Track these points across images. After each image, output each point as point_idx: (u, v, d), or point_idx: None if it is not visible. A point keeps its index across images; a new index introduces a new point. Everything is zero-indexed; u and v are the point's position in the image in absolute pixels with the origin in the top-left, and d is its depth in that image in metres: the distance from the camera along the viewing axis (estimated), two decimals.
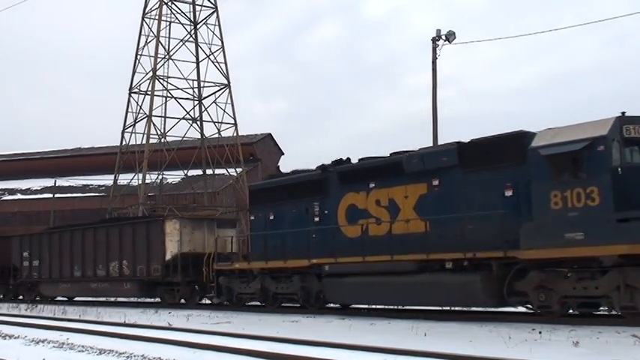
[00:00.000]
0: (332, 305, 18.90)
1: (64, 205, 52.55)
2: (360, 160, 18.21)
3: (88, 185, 57.50)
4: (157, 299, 24.95)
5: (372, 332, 13.30)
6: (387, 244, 16.17)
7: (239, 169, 42.68)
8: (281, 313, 18.73)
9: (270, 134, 58.46)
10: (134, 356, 10.43)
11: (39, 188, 59.51)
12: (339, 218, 18.07)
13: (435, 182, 15.85)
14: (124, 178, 41.34)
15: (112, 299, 29.32)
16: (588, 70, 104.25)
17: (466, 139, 15.83)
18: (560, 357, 9.35)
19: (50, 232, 30.53)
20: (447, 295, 15.03)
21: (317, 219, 18.75)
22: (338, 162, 18.65)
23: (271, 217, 20.15)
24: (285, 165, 60.17)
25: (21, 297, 31.50)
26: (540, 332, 11.85)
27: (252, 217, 21.26)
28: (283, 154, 59.85)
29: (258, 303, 20.75)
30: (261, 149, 55.56)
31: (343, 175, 18.13)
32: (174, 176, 45.86)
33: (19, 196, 59.78)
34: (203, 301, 24.43)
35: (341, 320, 16.08)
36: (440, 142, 23.84)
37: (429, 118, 25.22)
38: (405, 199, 16.43)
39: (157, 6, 40.45)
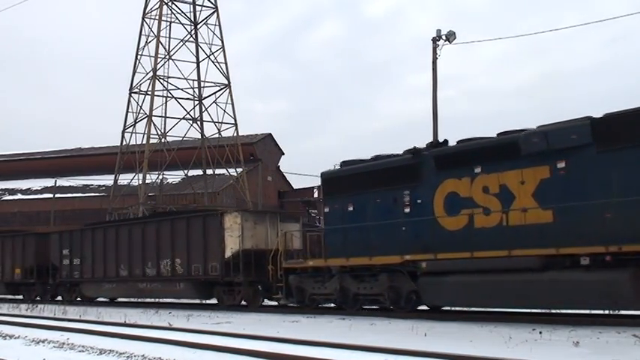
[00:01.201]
0: (332, 305, 18.75)
1: (65, 205, 52.52)
2: (459, 142, 16.00)
3: (88, 185, 57.46)
4: (214, 301, 22.88)
5: (373, 332, 13.30)
6: (498, 238, 14.12)
7: (239, 169, 42.69)
8: (281, 313, 18.73)
9: (270, 134, 58.45)
10: (134, 356, 10.43)
11: (39, 188, 59.47)
12: (435, 208, 15.85)
13: (561, 164, 13.70)
14: (125, 178, 41.36)
15: (163, 300, 26.62)
16: (589, 69, 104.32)
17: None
18: (561, 357, 9.35)
19: (93, 227, 28.02)
20: (583, 295, 12.84)
21: (407, 210, 16.52)
22: (433, 144, 16.67)
23: (350, 209, 17.90)
24: (286, 165, 60.24)
25: (60, 298, 29.30)
26: (541, 332, 11.86)
27: (327, 209, 18.88)
28: (283, 154, 59.85)
29: (334, 305, 18.66)
30: (262, 149, 55.54)
31: (441, 159, 15.93)
32: (174, 176, 45.87)
33: (19, 196, 59.74)
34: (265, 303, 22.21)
35: (341, 320, 16.08)
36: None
37: (429, 117, 25.22)
38: (521, 185, 14.26)
39: (157, 6, 40.55)
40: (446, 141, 16.56)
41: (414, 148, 16.61)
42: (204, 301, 24.10)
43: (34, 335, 14.03)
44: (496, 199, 14.73)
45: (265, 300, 21.88)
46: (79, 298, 28.03)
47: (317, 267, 18.49)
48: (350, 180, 18.08)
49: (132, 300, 27.62)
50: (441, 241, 15.32)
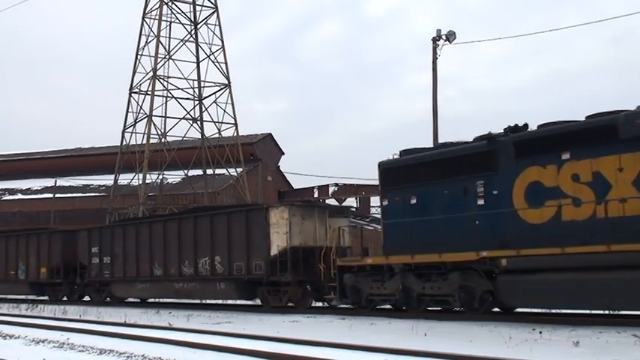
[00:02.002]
0: (331, 305, 18.69)
1: (65, 205, 52.52)
2: (539, 126, 14.56)
3: (88, 185, 57.45)
4: (257, 302, 21.58)
5: (373, 332, 13.30)
6: (591, 231, 12.93)
7: (239, 169, 42.70)
8: (281, 313, 18.72)
9: (270, 134, 58.45)
10: (134, 356, 10.44)
11: (39, 188, 59.46)
12: (515, 199, 14.40)
13: None
14: (125, 178, 41.36)
15: (201, 302, 25.21)
16: (590, 68, 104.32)
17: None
18: (561, 357, 9.36)
19: (125, 224, 26.54)
20: None
21: (481, 201, 15.06)
22: (512, 129, 15.04)
23: (413, 201, 16.43)
24: (286, 165, 60.23)
25: (88, 298, 27.69)
26: (541, 332, 11.87)
27: (386, 202, 17.20)
28: (283, 154, 59.84)
29: (391, 306, 17.49)
30: (262, 149, 55.54)
31: (522, 146, 14.47)
32: (174, 176, 45.88)
33: (19, 196, 59.73)
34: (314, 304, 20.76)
35: (341, 320, 16.08)
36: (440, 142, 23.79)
37: (430, 117, 25.23)
38: (619, 172, 12.86)
39: (157, 6, 40.54)
40: (526, 125, 14.97)
41: (489, 133, 15.23)
42: (248, 302, 22.76)
43: (34, 335, 14.02)
44: (588, 188, 13.30)
45: (315, 301, 20.67)
46: (108, 299, 26.71)
47: (376, 265, 17.01)
48: (413, 170, 16.63)
49: (167, 301, 25.97)
50: (521, 235, 14.01)
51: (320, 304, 20.48)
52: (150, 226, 24.39)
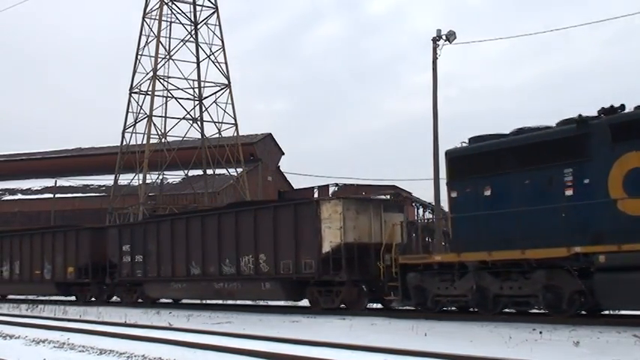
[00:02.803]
0: (332, 305, 18.60)
1: (65, 205, 52.57)
2: (636, 108, 13.16)
3: (88, 185, 57.49)
4: (305, 302, 20.14)
5: (373, 332, 13.31)
6: None
7: (239, 169, 42.73)
8: (281, 314, 18.72)
9: (270, 134, 58.51)
10: (135, 356, 10.44)
11: (39, 188, 59.52)
12: (611, 189, 13.01)
13: None
14: (125, 178, 41.40)
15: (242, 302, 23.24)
16: (590, 68, 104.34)
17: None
18: (561, 357, 9.36)
19: (158, 220, 24.91)
20: None
21: (569, 192, 13.66)
22: (606, 111, 13.60)
23: (487, 193, 15.07)
24: (286, 165, 60.26)
25: (118, 299, 26.35)
26: (541, 332, 11.86)
27: (455, 194, 15.85)
28: (284, 154, 59.90)
29: (456, 308, 16.15)
30: (262, 149, 55.58)
31: (620, 129, 13.02)
32: (174, 176, 45.92)
33: (19, 196, 59.78)
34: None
35: (341, 320, 16.07)
36: (440, 142, 23.82)
37: (431, 116, 25.21)
38: None
39: (157, 6, 40.60)
40: (622, 106, 13.47)
41: (579, 116, 13.75)
42: (296, 304, 21.23)
43: (35, 335, 14.03)
44: None
45: (369, 302, 19.17)
46: (140, 300, 25.17)
47: (447, 263, 15.52)
48: (486, 158, 15.20)
49: (204, 302, 24.63)
50: (621, 228, 12.54)
51: (375, 305, 19.17)
52: (187, 222, 22.88)
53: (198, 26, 42.15)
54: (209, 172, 43.25)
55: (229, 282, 21.24)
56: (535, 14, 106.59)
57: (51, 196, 52.40)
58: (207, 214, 22.78)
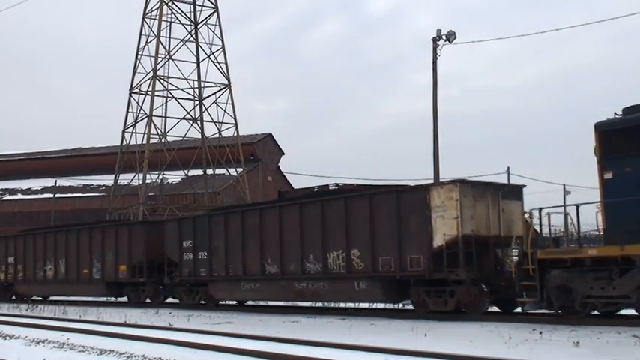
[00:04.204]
0: (332, 305, 18.60)
1: (65, 205, 52.61)
2: None
3: (88, 185, 57.51)
4: (408, 305, 17.97)
5: (373, 332, 13.32)
6: None
7: (239, 169, 42.72)
8: (281, 314, 18.73)
9: (270, 134, 58.50)
10: (135, 356, 10.45)
11: (39, 188, 59.54)
12: None
13: None
14: (125, 178, 41.39)
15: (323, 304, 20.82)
16: (591, 68, 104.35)
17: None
18: (561, 357, 9.37)
19: (225, 212, 22.22)
20: None
21: None
22: None
23: None
24: (286, 165, 60.22)
25: (177, 300, 23.96)
26: (541, 332, 11.88)
27: (609, 175, 13.25)
28: (284, 154, 59.87)
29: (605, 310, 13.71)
30: (262, 149, 55.57)
31: None
32: (174, 176, 45.91)
33: (19, 196, 59.82)
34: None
35: (341, 320, 16.08)
36: (441, 142, 23.85)
37: (431, 116, 25.24)
38: None
39: (157, 6, 40.57)
40: None
41: None
42: (396, 306, 19.07)
43: (35, 335, 14.04)
44: None
45: (490, 305, 16.43)
46: (202, 301, 22.75)
47: (604, 257, 12.99)
48: None
49: (285, 304, 21.78)
50: None
51: (496, 308, 16.52)
52: (261, 214, 20.33)
53: (198, 26, 42.15)
54: (209, 172, 43.24)
55: (314, 281, 18.69)
56: (535, 14, 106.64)
57: (51, 196, 52.42)
58: (285, 205, 20.20)
